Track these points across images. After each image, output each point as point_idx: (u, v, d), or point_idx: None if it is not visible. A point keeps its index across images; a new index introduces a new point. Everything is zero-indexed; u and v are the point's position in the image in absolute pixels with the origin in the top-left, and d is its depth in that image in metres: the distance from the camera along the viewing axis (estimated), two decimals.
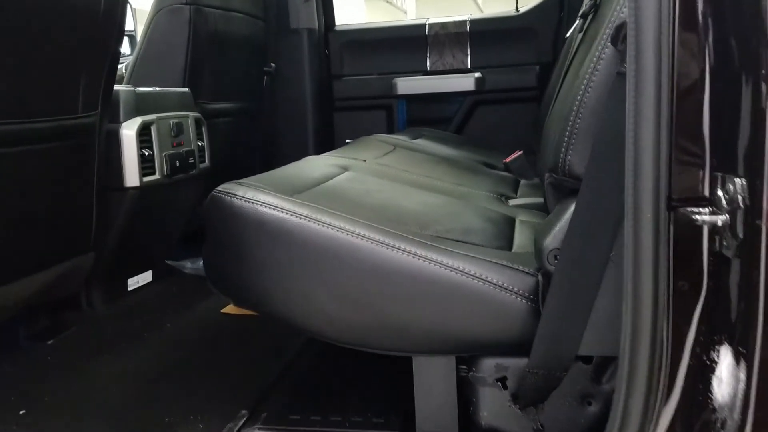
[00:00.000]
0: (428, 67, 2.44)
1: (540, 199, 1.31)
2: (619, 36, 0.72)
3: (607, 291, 0.73)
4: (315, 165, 1.28)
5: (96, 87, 1.37)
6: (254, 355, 1.37)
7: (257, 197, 0.89)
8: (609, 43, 0.75)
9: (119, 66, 2.49)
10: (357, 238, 0.83)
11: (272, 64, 2.42)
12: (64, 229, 1.37)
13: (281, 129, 2.50)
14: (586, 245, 0.73)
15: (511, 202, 1.32)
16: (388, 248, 0.82)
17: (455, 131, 2.43)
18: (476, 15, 2.41)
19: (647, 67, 0.61)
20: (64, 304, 1.55)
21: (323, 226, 0.85)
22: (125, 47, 3.57)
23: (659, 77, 0.60)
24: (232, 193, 0.91)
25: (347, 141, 2.50)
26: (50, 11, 1.17)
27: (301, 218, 0.85)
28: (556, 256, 0.76)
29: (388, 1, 12.77)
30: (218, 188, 0.95)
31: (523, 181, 1.65)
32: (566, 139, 0.79)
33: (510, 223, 1.12)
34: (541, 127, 2.03)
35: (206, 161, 1.85)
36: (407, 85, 2.43)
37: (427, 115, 2.53)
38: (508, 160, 1.75)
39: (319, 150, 2.47)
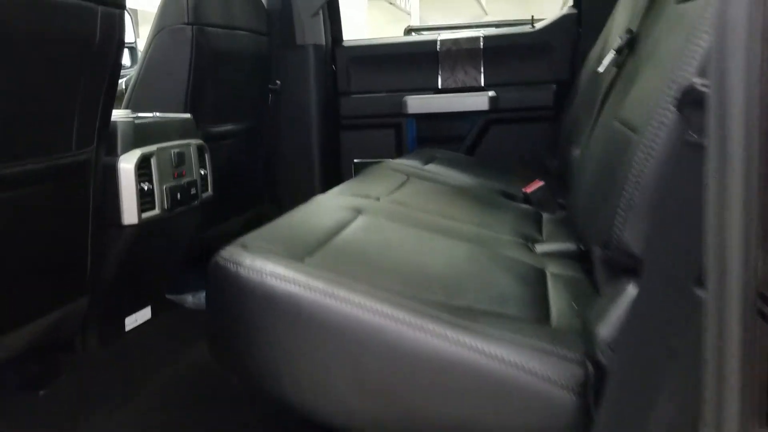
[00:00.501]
0: (439, 85, 2.34)
1: (570, 246, 1.21)
2: (686, 101, 0.63)
3: (672, 394, 0.64)
4: (326, 209, 1.19)
5: (92, 120, 1.28)
6: (264, 409, 1.28)
7: (266, 267, 0.79)
8: (671, 107, 0.66)
9: (120, 81, 2.39)
10: (380, 317, 0.74)
11: (277, 82, 2.33)
12: (57, 274, 1.28)
13: (286, 148, 2.41)
14: (649, 340, 0.63)
15: (539, 248, 1.23)
16: (415, 330, 0.73)
17: (467, 152, 2.34)
18: (490, 31, 2.31)
19: (734, 141, 0.51)
20: (58, 348, 1.46)
21: (341, 302, 0.75)
22: (125, 59, 3.48)
23: (749, 152, 0.51)
24: (238, 263, 0.81)
25: (355, 161, 2.42)
26: (41, 41, 1.07)
27: (315, 294, 0.76)
28: (610, 347, 0.67)
29: (391, 2, 12.67)
30: (222, 254, 0.85)
31: (545, 216, 1.56)
32: (621, 212, 0.69)
33: (541, 279, 1.03)
34: (560, 149, 1.94)
35: (209, 190, 1.76)
36: (418, 103, 2.33)
37: (437, 134, 2.43)
38: (528, 190, 1.66)
39: (325, 170, 2.38)
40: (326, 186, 2.42)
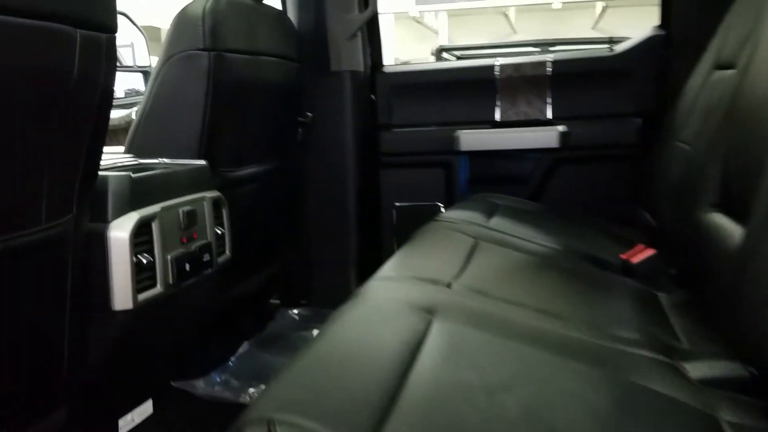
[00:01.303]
0: (498, 117, 1.99)
1: (735, 368, 0.85)
2: None
3: None
4: (385, 313, 0.84)
5: (69, 180, 0.95)
6: None
7: None
8: None
9: (130, 111, 2.04)
10: None
11: (309, 114, 2.00)
12: (21, 385, 0.95)
13: (316, 190, 2.08)
14: None
15: (691, 370, 0.86)
16: None
17: (531, 196, 1.98)
18: (559, 54, 1.96)
19: None
20: None
21: None
22: (140, 84, 3.19)
23: None
24: None
25: (396, 204, 2.08)
26: None
27: None
28: None
29: (418, 21, 12.45)
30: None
31: (663, 298, 1.19)
32: None
33: None
34: (657, 200, 1.58)
35: (226, 251, 1.43)
36: (472, 139, 1.99)
37: (493, 173, 2.08)
38: (634, 260, 1.30)
39: (362, 215, 2.04)
40: (362, 234, 2.09)
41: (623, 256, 1.35)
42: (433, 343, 0.76)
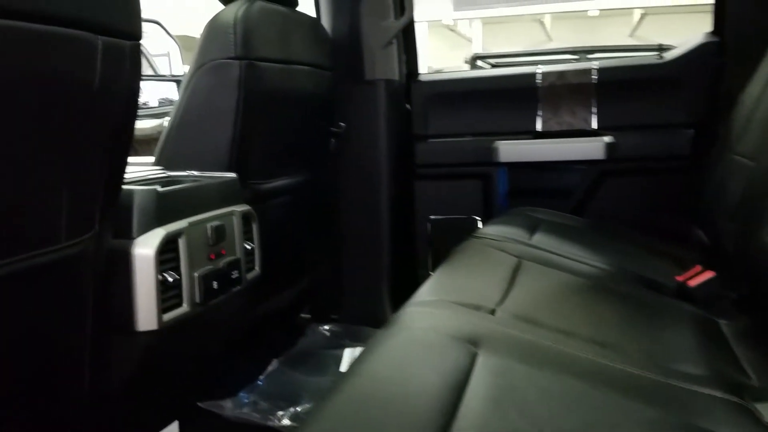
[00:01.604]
0: (539, 128, 1.90)
1: None
2: None
3: None
4: (425, 345, 0.76)
5: (90, 198, 0.90)
6: None
7: None
8: None
9: (162, 120, 2.01)
10: None
11: (341, 124, 1.94)
12: (37, 413, 0.90)
13: (349, 201, 2.02)
14: None
15: (766, 414, 0.77)
16: None
17: (574, 210, 1.88)
18: (605, 62, 1.87)
19: None
20: None
21: None
22: (174, 93, 3.19)
23: None
24: None
25: (431, 218, 2.00)
26: (6, 87, 0.70)
27: None
28: None
29: (451, 29, 12.38)
30: None
31: (725, 326, 1.09)
32: None
33: None
34: (712, 217, 1.47)
35: (256, 267, 1.37)
36: (512, 150, 1.91)
37: (534, 186, 1.99)
38: (693, 283, 1.20)
39: (395, 227, 1.97)
40: (396, 248, 2.01)
41: (679, 278, 1.25)
42: (479, 382, 0.68)
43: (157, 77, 3.28)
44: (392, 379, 0.67)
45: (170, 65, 3.73)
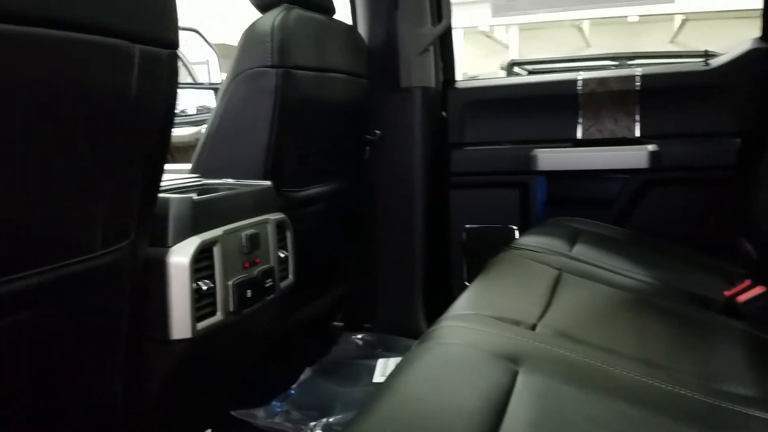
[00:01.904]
0: (579, 135, 1.86)
1: None
2: None
3: None
4: (460, 362, 0.74)
5: (126, 207, 0.90)
6: None
7: None
8: None
9: (200, 128, 2.02)
10: None
11: (377, 132, 1.93)
12: (72, 422, 0.90)
13: (383, 210, 2.00)
14: None
15: None
16: None
17: (616, 221, 1.83)
18: (649, 68, 1.81)
19: None
20: None
21: None
22: (212, 101, 3.22)
23: None
24: None
25: (467, 226, 1.97)
26: (44, 97, 0.70)
27: None
28: None
29: (488, 36, 12.31)
30: None
31: None
32: None
33: None
34: (757, 229, 1.41)
35: (290, 276, 1.36)
36: (551, 158, 1.86)
37: (573, 195, 1.94)
38: (742, 299, 1.14)
39: (430, 236, 1.94)
40: (430, 257, 1.99)
41: (727, 294, 1.20)
42: (520, 403, 0.65)
43: (195, 85, 3.32)
44: (428, 397, 0.64)
45: (209, 73, 3.78)
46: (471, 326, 0.85)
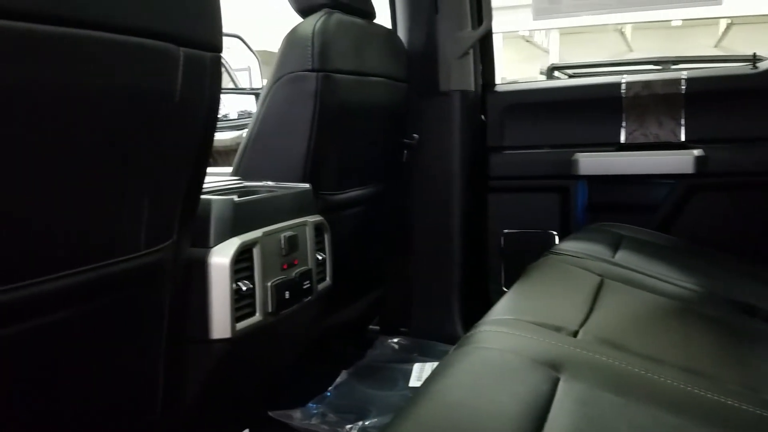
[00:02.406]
0: (623, 139, 1.82)
1: None
2: None
3: None
4: (498, 367, 0.73)
5: (169, 208, 0.92)
6: None
7: None
8: None
9: (241, 132, 2.06)
10: None
11: (415, 136, 1.93)
12: (112, 420, 0.91)
13: (420, 214, 1.99)
14: None
15: None
16: None
17: (660, 227, 1.78)
18: (695, 72, 1.77)
19: None
20: None
21: None
22: (253, 106, 3.27)
23: None
24: None
25: (505, 231, 1.95)
26: (89, 99, 0.72)
27: None
28: None
29: (528, 40, 12.20)
30: None
31: None
32: None
33: None
34: None
35: (327, 278, 1.37)
36: (593, 162, 1.83)
37: (616, 200, 1.90)
38: None
39: (467, 241, 1.93)
40: (468, 261, 1.97)
41: None
42: (561, 411, 0.64)
43: (237, 90, 3.38)
44: (466, 403, 0.63)
45: (251, 79, 3.84)
46: (510, 331, 0.84)
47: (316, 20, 1.43)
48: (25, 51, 0.63)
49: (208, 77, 0.90)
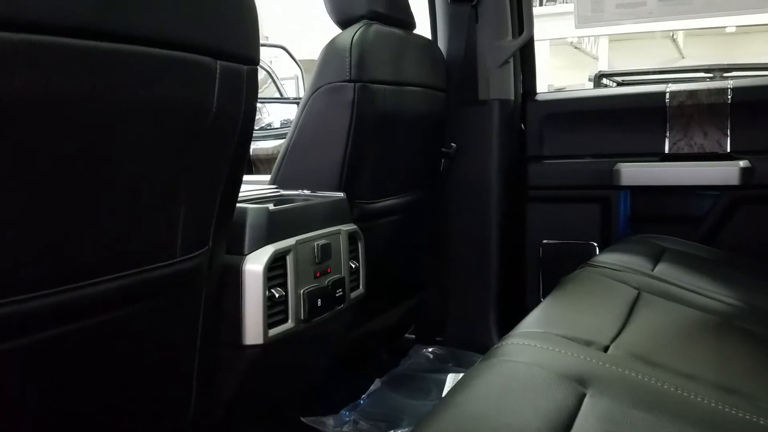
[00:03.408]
0: (667, 149, 1.78)
1: None
2: None
3: None
4: (524, 381, 0.72)
5: (204, 216, 0.94)
6: None
7: None
8: None
9: (281, 141, 2.12)
10: None
11: (453, 145, 1.93)
12: (146, 423, 0.94)
13: (457, 223, 1.98)
14: None
15: None
16: None
17: (703, 239, 1.73)
18: (742, 81, 1.72)
19: None
20: None
21: None
22: (292, 114, 3.32)
23: None
24: None
25: (544, 242, 1.92)
26: (126, 112, 0.75)
27: None
28: None
29: (576, 47, 12.02)
30: None
31: None
32: None
33: None
34: None
35: (360, 287, 1.38)
36: (635, 172, 1.79)
37: (659, 212, 1.86)
38: None
39: (505, 250, 1.91)
40: (505, 272, 1.95)
41: None
42: (585, 427, 0.63)
43: (279, 100, 3.43)
44: (488, 416, 0.63)
45: (298, 88, 3.90)
46: (539, 344, 0.83)
47: (354, 31, 1.45)
48: (74, 66, 0.66)
49: (245, 89, 0.92)
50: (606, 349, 0.86)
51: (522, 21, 1.94)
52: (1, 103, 0.61)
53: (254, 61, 0.94)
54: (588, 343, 0.87)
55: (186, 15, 0.79)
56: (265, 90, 3.72)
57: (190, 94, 0.83)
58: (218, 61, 0.85)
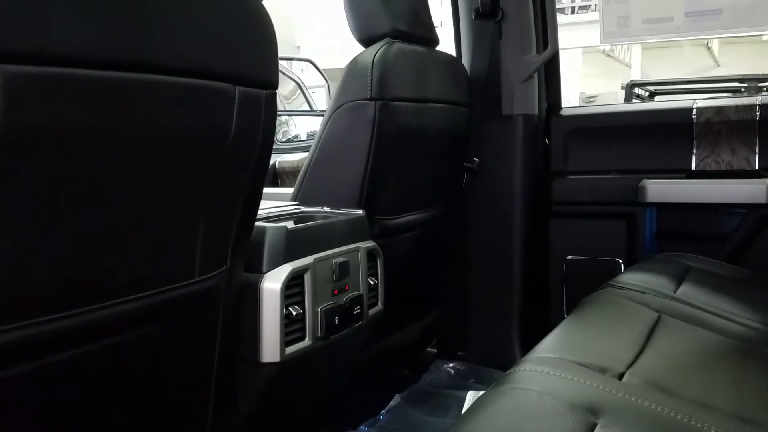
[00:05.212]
0: (693, 166, 1.75)
1: None
2: None
3: None
4: (534, 410, 0.72)
5: (223, 237, 0.96)
6: None
7: None
8: None
9: (306, 154, 2.15)
10: None
11: (475, 160, 1.92)
12: None
13: (479, 238, 1.98)
14: None
15: None
16: None
17: (731, 258, 1.70)
18: None
19: None
20: None
21: None
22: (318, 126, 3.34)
23: None
24: None
25: (568, 258, 1.90)
26: (146, 139, 0.77)
27: None
28: None
29: (608, 55, 11.89)
30: None
31: None
32: None
33: None
34: None
35: (379, 303, 1.39)
36: (662, 189, 1.77)
37: (685, 229, 1.83)
38: None
39: (528, 267, 1.90)
40: (528, 288, 1.94)
41: None
42: None
43: (306, 112, 3.46)
44: None
45: (329, 95, 3.93)
46: (551, 371, 0.83)
47: (376, 50, 1.46)
48: (96, 96, 0.68)
49: (263, 113, 0.94)
50: (621, 376, 0.86)
51: (546, 36, 1.93)
52: (24, 134, 0.63)
53: (273, 85, 0.95)
54: (603, 370, 0.86)
55: (205, 43, 0.81)
56: (294, 101, 3.76)
57: (210, 120, 0.85)
58: (237, 87, 0.87)
